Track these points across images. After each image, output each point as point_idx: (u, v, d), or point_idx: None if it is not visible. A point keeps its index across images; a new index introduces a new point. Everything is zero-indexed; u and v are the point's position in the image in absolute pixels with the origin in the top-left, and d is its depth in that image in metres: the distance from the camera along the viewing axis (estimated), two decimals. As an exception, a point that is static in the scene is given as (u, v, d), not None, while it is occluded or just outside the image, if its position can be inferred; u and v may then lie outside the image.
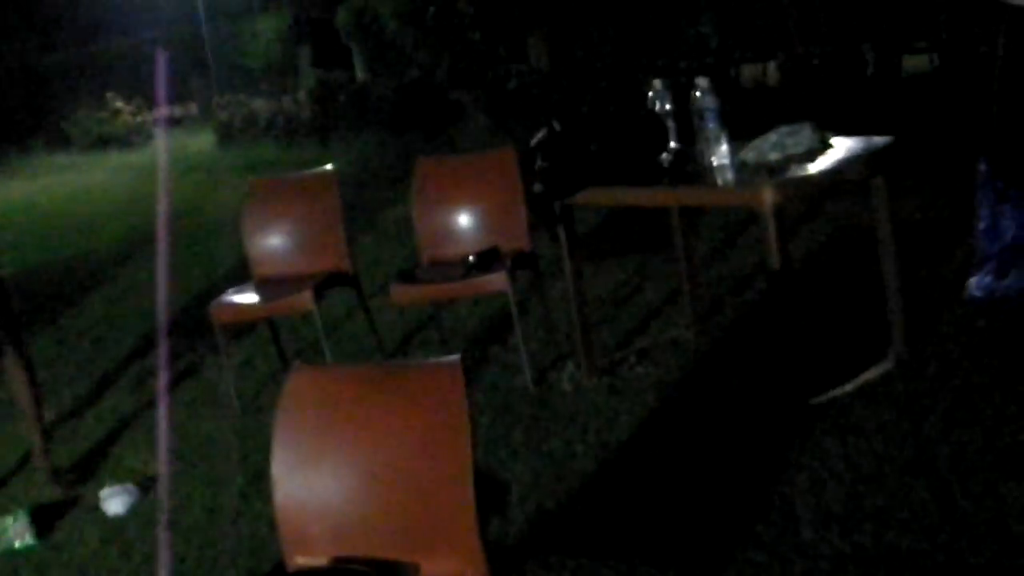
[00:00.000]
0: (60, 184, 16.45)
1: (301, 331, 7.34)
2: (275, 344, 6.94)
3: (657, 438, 5.39)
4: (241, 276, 6.91)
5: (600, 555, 4.47)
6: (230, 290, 6.67)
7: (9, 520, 5.58)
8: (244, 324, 6.93)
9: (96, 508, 5.73)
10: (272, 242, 6.78)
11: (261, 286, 6.61)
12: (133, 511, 5.65)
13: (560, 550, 4.55)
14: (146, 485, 5.85)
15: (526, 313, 6.58)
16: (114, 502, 5.70)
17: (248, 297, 6.52)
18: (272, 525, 5.11)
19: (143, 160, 17.32)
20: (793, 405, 5.23)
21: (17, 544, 5.52)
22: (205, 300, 8.11)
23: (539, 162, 5.77)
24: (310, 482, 3.63)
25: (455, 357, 3.50)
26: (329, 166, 6.98)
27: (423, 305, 6.86)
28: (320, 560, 3.60)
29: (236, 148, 16.33)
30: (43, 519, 5.69)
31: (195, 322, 7.97)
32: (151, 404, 6.83)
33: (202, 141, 17.41)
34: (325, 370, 3.91)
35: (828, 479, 4.63)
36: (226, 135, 17.27)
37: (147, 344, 7.94)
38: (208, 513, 5.46)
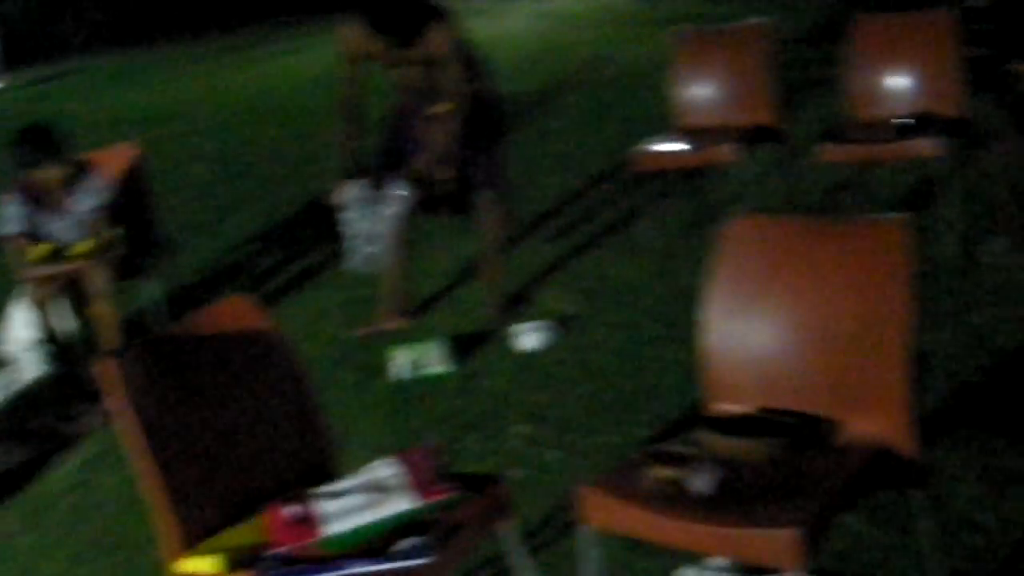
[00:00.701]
0: (475, 29, 16.73)
1: (720, 184, 7.29)
2: (695, 195, 6.93)
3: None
4: (659, 127, 6.90)
5: (1013, 433, 4.33)
6: (652, 138, 6.67)
7: (429, 346, 5.79)
8: (664, 173, 6.91)
9: (512, 342, 5.88)
10: (700, 93, 6.75)
11: (686, 136, 6.59)
12: (548, 347, 5.77)
13: (975, 424, 4.42)
14: (561, 324, 5.96)
15: (954, 181, 6.34)
16: (529, 337, 5.84)
17: (672, 146, 6.51)
18: (685, 373, 5.18)
19: (558, 7, 17.40)
20: None
21: (436, 370, 5.72)
22: (622, 149, 8.18)
23: (984, 25, 5.53)
24: (741, 329, 3.62)
25: (903, 215, 3.41)
26: (764, 18, 6.85)
27: (849, 165, 6.69)
28: (743, 408, 3.59)
29: (654, 1, 16.23)
30: (461, 348, 5.87)
31: (613, 171, 8.03)
32: (570, 248, 6.90)
33: (619, -7, 17.37)
34: (768, 219, 3.86)
35: None
36: (645, -13, 17.17)
37: (567, 190, 8.03)
38: (620, 357, 5.52)
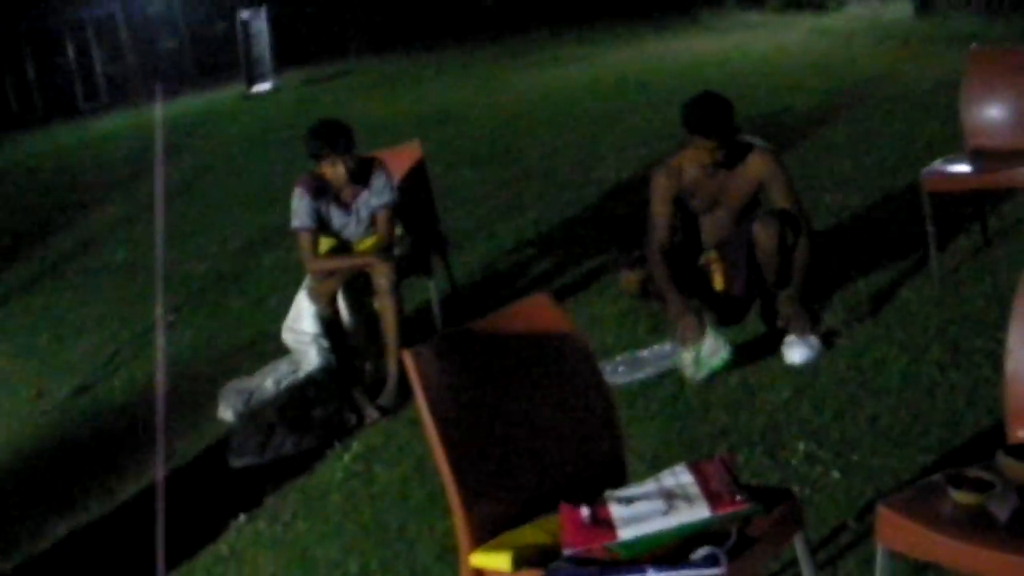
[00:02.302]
0: (753, 42, 16.60)
1: (1010, 207, 7.09)
2: (980, 218, 6.77)
3: None
4: (940, 148, 6.74)
5: None
6: (941, 159, 6.54)
7: (706, 341, 5.77)
8: (951, 195, 6.73)
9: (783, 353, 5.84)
10: (991, 113, 6.57)
11: (976, 157, 6.44)
12: (814, 365, 5.71)
13: None
14: (829, 341, 5.87)
15: None
16: (796, 351, 5.78)
17: (962, 167, 6.37)
18: (970, 400, 5.05)
19: (836, 24, 17.20)
20: None
21: (719, 359, 5.74)
22: (903, 169, 8.03)
23: None
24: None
25: None
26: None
27: None
28: (1046, 439, 3.48)
29: (935, 19, 15.90)
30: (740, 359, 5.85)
31: (895, 190, 7.90)
32: (851, 267, 6.77)
33: (898, 10, 17.05)
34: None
35: None
36: (925, 5, 16.87)
37: (847, 208, 7.90)
38: (903, 379, 5.40)
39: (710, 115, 5.87)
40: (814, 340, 5.83)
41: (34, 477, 6.34)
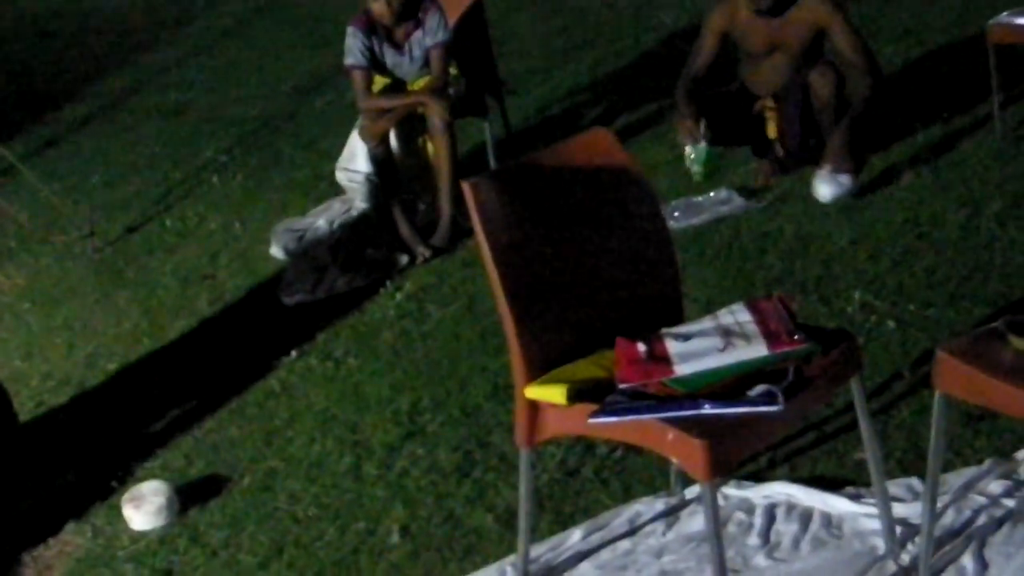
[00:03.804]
0: None
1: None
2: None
3: None
4: (1007, 1, 6.57)
5: None
6: (1009, 11, 6.39)
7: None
8: (1016, 48, 6.57)
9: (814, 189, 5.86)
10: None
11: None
12: (843, 202, 5.71)
13: None
14: (888, 193, 5.83)
15: None
16: (824, 186, 5.79)
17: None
18: (1027, 253, 4.99)
19: None
20: None
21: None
22: (965, 21, 7.85)
23: None
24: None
25: None
26: None
27: None
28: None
29: None
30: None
31: (957, 43, 7.75)
32: (909, 120, 6.67)
33: None
34: None
35: None
36: None
37: (908, 60, 7.76)
38: (961, 232, 5.34)
39: None
40: (845, 177, 5.78)
41: (85, 314, 6.38)
